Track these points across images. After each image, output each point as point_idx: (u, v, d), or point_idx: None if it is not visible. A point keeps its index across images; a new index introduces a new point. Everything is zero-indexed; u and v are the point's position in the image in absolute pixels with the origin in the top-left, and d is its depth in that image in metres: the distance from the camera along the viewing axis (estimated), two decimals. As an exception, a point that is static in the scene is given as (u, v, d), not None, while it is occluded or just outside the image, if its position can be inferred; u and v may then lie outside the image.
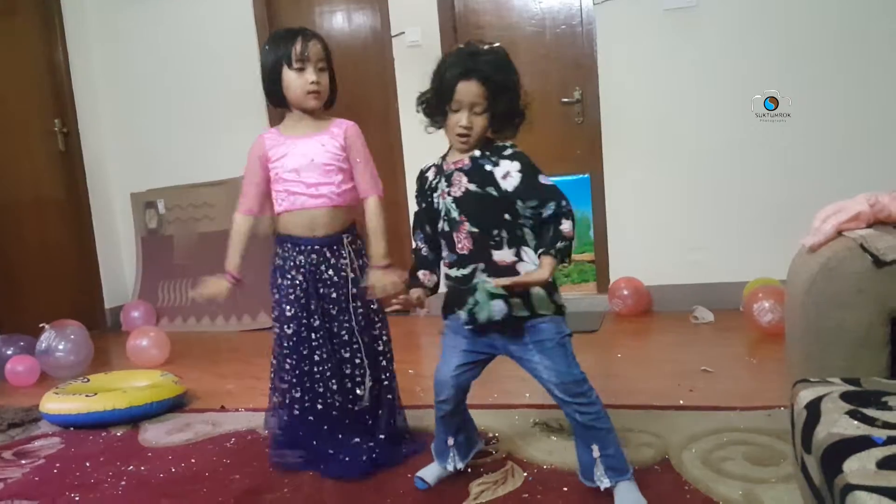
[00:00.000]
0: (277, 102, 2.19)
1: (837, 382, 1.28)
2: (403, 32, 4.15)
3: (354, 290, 2.18)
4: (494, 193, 1.78)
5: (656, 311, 3.89)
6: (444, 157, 1.91)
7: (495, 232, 1.79)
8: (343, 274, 2.19)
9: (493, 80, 1.77)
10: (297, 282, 2.18)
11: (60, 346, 3.56)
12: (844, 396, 1.21)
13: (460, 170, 1.82)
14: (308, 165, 2.15)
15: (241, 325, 4.40)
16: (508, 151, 1.80)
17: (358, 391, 2.20)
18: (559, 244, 1.73)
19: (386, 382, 2.27)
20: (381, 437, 2.21)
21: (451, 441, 2.02)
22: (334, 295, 2.18)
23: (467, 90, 1.77)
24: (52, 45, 4.54)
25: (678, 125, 3.79)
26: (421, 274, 1.91)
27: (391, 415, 2.27)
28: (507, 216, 1.79)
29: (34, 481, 2.33)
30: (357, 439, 2.18)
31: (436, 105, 1.84)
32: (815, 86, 3.59)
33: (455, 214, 1.82)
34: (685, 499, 1.82)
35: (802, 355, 1.52)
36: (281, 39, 2.13)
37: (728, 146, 3.76)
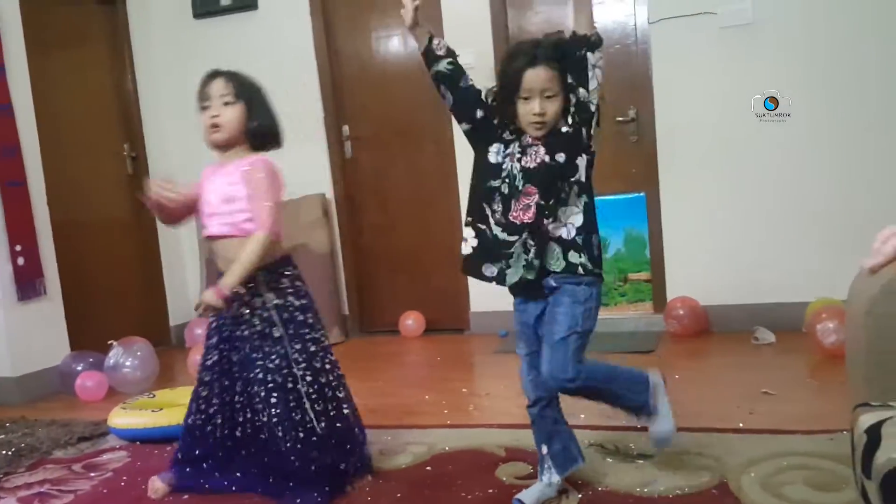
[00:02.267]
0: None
1: (899, 407, 1.26)
2: (458, 55, 4.18)
3: (270, 330, 2.20)
4: (565, 160, 1.83)
5: (714, 331, 3.82)
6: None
7: (552, 202, 1.84)
8: (259, 312, 2.20)
9: (561, 63, 1.79)
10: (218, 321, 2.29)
11: (128, 363, 3.68)
12: (906, 421, 1.19)
13: (538, 144, 1.86)
14: (212, 195, 2.23)
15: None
16: None
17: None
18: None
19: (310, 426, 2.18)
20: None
21: (544, 450, 2.01)
22: (246, 333, 2.21)
23: (535, 76, 1.79)
24: (122, 73, 4.73)
25: (735, 143, 3.74)
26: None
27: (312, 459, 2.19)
28: (560, 183, 1.85)
29: (102, 494, 2.42)
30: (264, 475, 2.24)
31: (504, 99, 1.87)
32: (879, 102, 3.51)
33: (520, 184, 1.86)
34: (743, 523, 1.80)
35: (863, 378, 1.49)
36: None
37: (787, 164, 3.69)
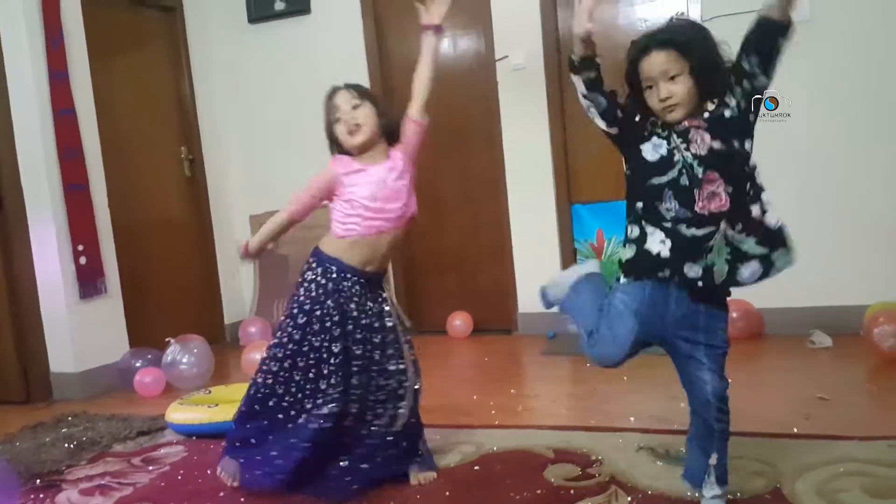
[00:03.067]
0: (340, 150, 2.36)
1: (960, 413, 1.23)
2: (507, 56, 4.20)
3: (391, 322, 2.30)
4: (738, 146, 1.75)
5: (769, 334, 3.75)
6: (660, 119, 1.82)
7: (748, 186, 1.76)
8: (384, 307, 2.31)
9: (675, 42, 1.73)
10: (331, 306, 2.26)
11: (184, 359, 3.78)
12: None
13: (698, 127, 1.76)
14: (381, 188, 2.25)
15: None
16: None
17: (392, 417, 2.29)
18: None
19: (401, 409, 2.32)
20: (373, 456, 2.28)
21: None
22: (377, 325, 2.28)
23: (650, 63, 1.74)
24: (179, 78, 4.86)
25: (793, 141, 3.67)
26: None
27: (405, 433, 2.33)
28: (747, 169, 1.77)
29: (160, 487, 2.49)
30: (347, 461, 2.26)
31: (635, 97, 1.82)
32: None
33: (700, 172, 1.74)
34: (797, 530, 1.77)
35: (923, 384, 1.46)
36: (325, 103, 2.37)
37: (846, 162, 3.60)
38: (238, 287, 5.12)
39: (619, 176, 4.47)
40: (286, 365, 2.27)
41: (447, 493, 2.18)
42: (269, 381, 2.29)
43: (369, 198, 2.23)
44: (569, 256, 4.27)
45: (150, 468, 2.68)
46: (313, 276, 2.29)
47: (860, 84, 3.54)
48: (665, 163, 1.76)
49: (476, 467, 2.37)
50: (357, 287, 2.27)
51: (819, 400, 2.70)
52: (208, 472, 2.55)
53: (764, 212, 1.78)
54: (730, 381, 1.84)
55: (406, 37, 4.59)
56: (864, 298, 3.43)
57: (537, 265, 4.30)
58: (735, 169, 1.75)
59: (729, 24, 3.71)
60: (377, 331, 2.28)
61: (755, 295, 3.71)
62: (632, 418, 2.64)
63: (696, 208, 1.73)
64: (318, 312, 2.25)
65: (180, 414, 2.99)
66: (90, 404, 3.63)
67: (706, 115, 1.78)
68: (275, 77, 4.77)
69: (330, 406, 2.20)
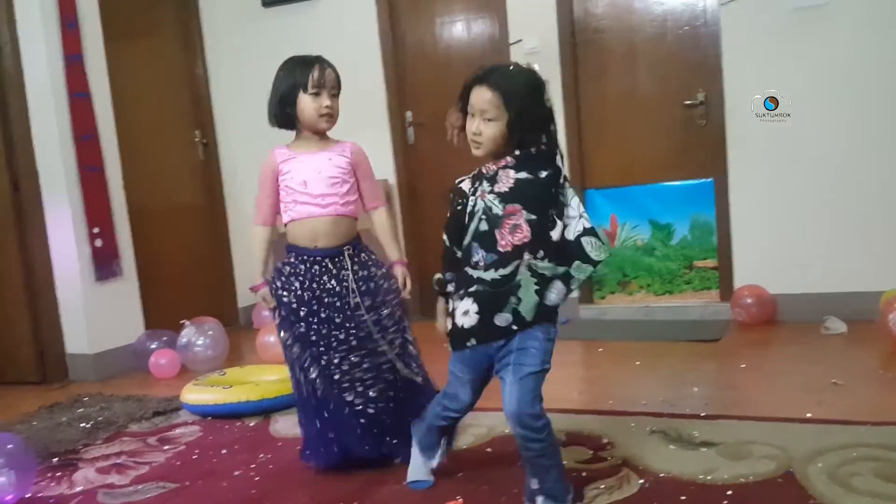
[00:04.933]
0: (286, 124, 2.32)
1: (976, 397, 1.22)
2: (521, 40, 4.18)
3: (357, 300, 2.26)
4: (542, 174, 1.80)
5: (782, 320, 3.73)
6: (480, 169, 1.90)
7: (551, 212, 1.81)
8: (345, 284, 2.26)
9: (504, 90, 1.77)
10: (301, 289, 2.29)
11: (199, 342, 3.81)
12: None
13: (505, 167, 1.82)
14: (316, 177, 2.26)
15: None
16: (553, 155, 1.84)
17: (371, 393, 2.26)
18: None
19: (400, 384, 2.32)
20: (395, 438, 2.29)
21: (444, 440, 2.14)
22: (338, 304, 2.26)
23: (479, 96, 1.80)
24: (193, 62, 4.87)
25: (807, 127, 3.63)
26: (450, 276, 1.94)
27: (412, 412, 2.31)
28: (554, 191, 1.83)
29: (175, 466, 2.52)
30: (369, 440, 2.26)
31: (462, 110, 1.89)
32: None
33: (500, 210, 1.79)
34: (809, 514, 1.77)
35: (939, 368, 1.45)
36: (297, 66, 2.30)
37: (861, 149, 3.57)
38: (251, 270, 5.12)
39: (633, 161, 4.49)
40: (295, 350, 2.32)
41: (460, 475, 2.19)
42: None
43: (301, 183, 2.26)
44: (582, 241, 4.25)
45: (166, 448, 2.71)
46: (284, 269, 2.35)
47: (875, 71, 3.50)
48: (470, 217, 1.85)
49: (488, 449, 2.39)
50: (316, 267, 2.28)
51: (832, 385, 2.69)
52: (223, 451, 2.59)
53: (565, 227, 1.82)
54: (541, 409, 1.81)
55: (420, 19, 4.57)
56: (880, 284, 3.41)
57: (550, 250, 4.29)
58: (537, 195, 1.80)
59: (746, 8, 3.69)
60: (339, 310, 2.27)
61: (770, 281, 3.74)
62: (644, 402, 2.64)
63: (499, 247, 1.79)
64: (284, 300, 2.32)
65: (195, 395, 3.03)
66: (105, 385, 3.67)
67: (517, 152, 1.82)
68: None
69: (313, 380, 2.28)
